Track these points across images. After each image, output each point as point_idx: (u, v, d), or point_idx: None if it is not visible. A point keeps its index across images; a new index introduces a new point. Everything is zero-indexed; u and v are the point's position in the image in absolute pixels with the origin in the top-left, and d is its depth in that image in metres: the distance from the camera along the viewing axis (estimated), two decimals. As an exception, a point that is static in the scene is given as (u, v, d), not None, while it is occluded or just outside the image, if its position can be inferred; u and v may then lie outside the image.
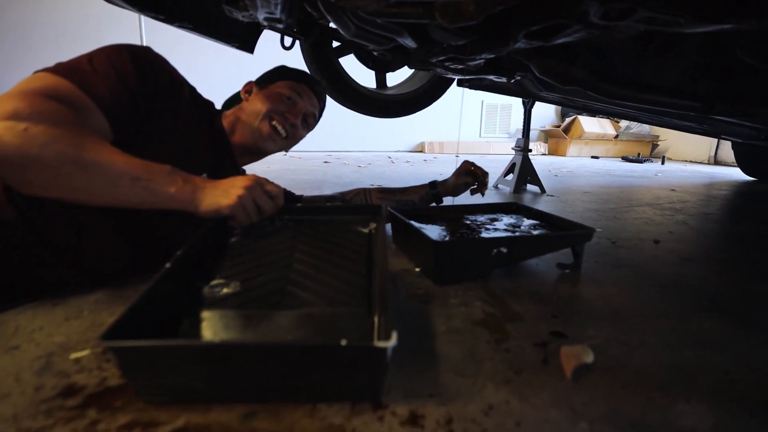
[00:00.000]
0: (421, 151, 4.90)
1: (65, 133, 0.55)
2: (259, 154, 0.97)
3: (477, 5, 0.66)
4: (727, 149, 4.55)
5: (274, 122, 0.91)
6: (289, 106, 0.94)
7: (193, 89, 0.86)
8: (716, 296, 0.84)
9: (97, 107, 0.63)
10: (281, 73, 1.01)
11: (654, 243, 1.23)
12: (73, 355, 0.54)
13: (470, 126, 5.31)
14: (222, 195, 0.64)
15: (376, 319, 0.53)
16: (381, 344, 0.41)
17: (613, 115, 2.43)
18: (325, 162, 3.25)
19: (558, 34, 0.77)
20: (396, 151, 4.79)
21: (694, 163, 4.84)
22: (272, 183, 0.72)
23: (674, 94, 1.20)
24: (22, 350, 0.55)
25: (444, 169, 3.05)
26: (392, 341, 0.41)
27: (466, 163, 1.20)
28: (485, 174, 1.18)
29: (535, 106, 2.16)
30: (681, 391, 0.52)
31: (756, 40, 0.85)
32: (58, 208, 0.65)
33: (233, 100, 1.03)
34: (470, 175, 1.17)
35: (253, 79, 1.02)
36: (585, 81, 1.19)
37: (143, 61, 0.71)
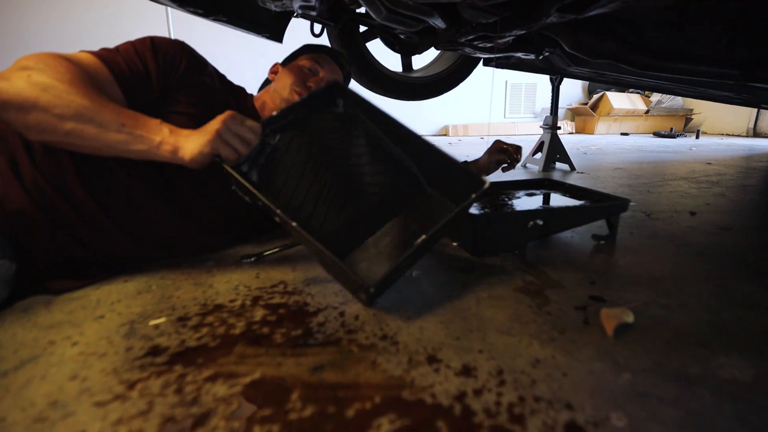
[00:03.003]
0: (445, 135, 4.88)
1: (63, 81, 0.61)
2: None
3: (511, -19, 0.68)
4: (767, 120, 4.35)
5: (297, 92, 0.95)
6: (311, 75, 0.98)
7: (221, 74, 0.92)
8: (756, 262, 0.84)
9: (114, 79, 0.70)
10: (302, 49, 1.05)
11: (690, 215, 1.22)
12: (152, 322, 0.60)
13: (495, 107, 5.24)
14: (201, 134, 0.66)
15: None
16: None
17: (646, 89, 2.36)
18: (351, 148, 3.30)
19: (592, 6, 0.78)
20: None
21: (731, 136, 4.65)
22: (249, 119, 0.74)
23: (711, 62, 1.17)
24: (107, 318, 0.62)
25: (469, 150, 3.04)
26: None
27: (498, 142, 1.21)
28: (518, 150, 1.18)
29: (561, 84, 2.12)
30: (721, 347, 0.54)
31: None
32: (118, 186, 0.72)
33: (266, 84, 1.08)
34: (503, 153, 1.19)
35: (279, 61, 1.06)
36: (617, 53, 1.18)
37: (164, 43, 0.79)
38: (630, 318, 0.61)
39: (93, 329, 0.58)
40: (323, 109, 0.85)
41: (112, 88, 0.70)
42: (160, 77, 0.76)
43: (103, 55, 0.71)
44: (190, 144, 0.66)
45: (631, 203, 0.99)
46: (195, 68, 0.82)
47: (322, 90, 0.85)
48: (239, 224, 0.92)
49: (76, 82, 0.62)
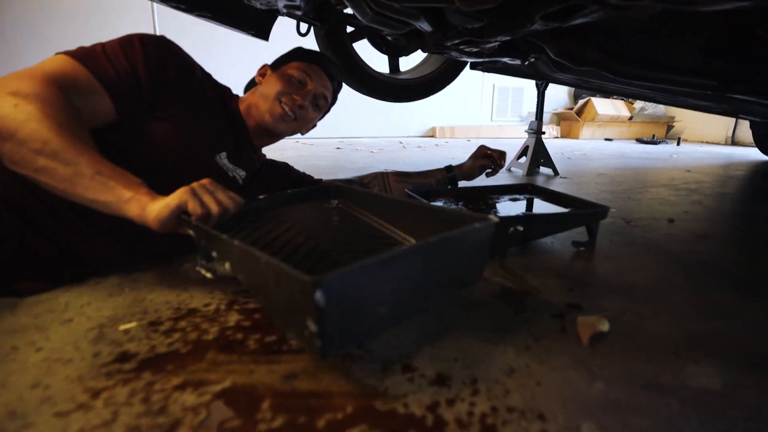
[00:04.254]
0: (432, 136, 4.89)
1: (48, 117, 0.58)
2: (274, 135, 1.00)
3: (495, -13, 0.68)
4: (745, 129, 4.47)
5: (283, 104, 0.93)
6: (298, 87, 0.96)
7: (207, 75, 0.90)
8: (731, 271, 0.86)
9: (104, 89, 0.68)
10: (294, 54, 1.03)
11: (669, 222, 1.24)
12: (122, 327, 0.59)
13: (482, 110, 5.28)
14: (173, 194, 0.61)
15: None
16: None
17: (629, 96, 2.41)
18: (338, 148, 3.28)
19: (575, 15, 0.78)
20: (407, 137, 4.79)
21: (711, 144, 4.76)
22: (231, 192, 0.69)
23: (690, 73, 1.20)
24: (75, 322, 0.60)
25: (455, 153, 3.06)
26: None
27: (482, 147, 1.22)
28: (502, 156, 1.19)
29: (547, 89, 2.15)
30: (693, 356, 0.55)
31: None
32: None
33: (251, 85, 1.06)
34: (487, 158, 1.19)
35: (269, 62, 1.04)
36: (599, 61, 1.19)
37: (152, 45, 0.76)
38: (605, 326, 0.61)
39: (59, 334, 0.57)
40: (316, 204, 0.85)
41: (101, 98, 0.67)
42: (150, 83, 0.74)
43: (91, 62, 0.67)
44: (159, 202, 0.60)
45: (612, 210, 1.01)
46: (184, 72, 0.80)
47: (318, 188, 0.87)
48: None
49: (60, 120, 0.59)
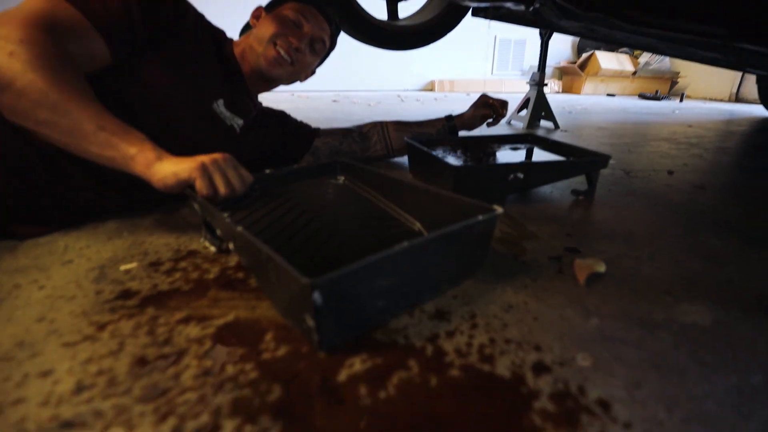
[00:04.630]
0: (431, 90, 4.78)
1: (45, 67, 0.55)
2: (271, 81, 0.96)
3: None
4: (750, 86, 4.38)
5: (278, 47, 0.89)
6: (294, 29, 0.91)
7: (201, 15, 0.85)
8: (727, 219, 0.87)
9: (96, 30, 0.64)
10: None
11: (668, 174, 1.24)
12: (123, 267, 0.59)
13: (482, 63, 5.12)
14: (183, 162, 0.60)
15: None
16: None
17: (636, 47, 2.33)
18: (334, 101, 3.20)
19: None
20: (405, 90, 4.67)
21: (715, 100, 4.68)
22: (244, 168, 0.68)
23: (701, 19, 1.15)
24: (75, 263, 0.60)
25: (455, 106, 2.99)
26: None
27: (484, 96, 1.19)
28: (504, 105, 1.17)
29: (550, 42, 2.07)
30: (685, 296, 0.56)
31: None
32: None
33: (246, 29, 1.01)
34: (488, 108, 1.17)
35: (263, 4, 0.99)
36: (608, 6, 1.14)
37: None
38: (602, 268, 0.62)
39: (61, 274, 0.57)
40: (322, 179, 0.83)
41: (94, 41, 0.63)
42: (143, 23, 0.69)
43: (82, 4, 0.63)
44: (166, 167, 0.59)
45: (611, 161, 1.00)
46: (177, 12, 0.76)
47: (322, 164, 0.84)
48: None
49: (58, 69, 0.56)
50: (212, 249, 0.64)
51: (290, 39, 0.90)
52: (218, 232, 0.60)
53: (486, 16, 1.74)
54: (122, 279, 0.56)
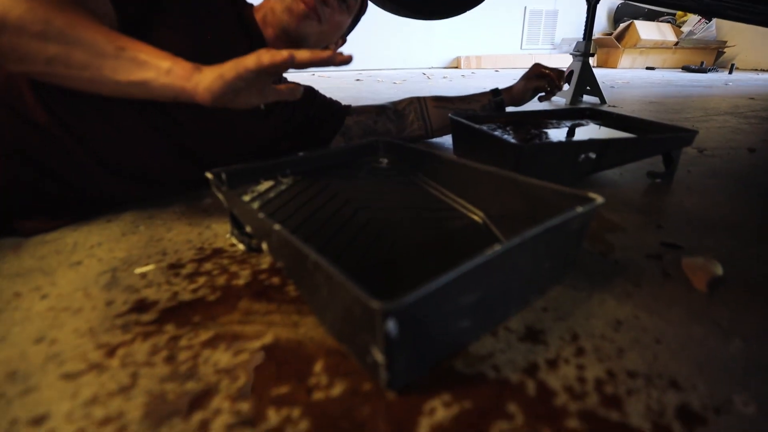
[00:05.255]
0: (456, 67, 4.56)
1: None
2: (298, 45, 0.84)
3: None
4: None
5: (304, 1, 0.77)
6: None
7: None
8: None
9: None
10: None
11: (749, 152, 1.08)
12: (138, 270, 0.50)
13: (510, 37, 4.86)
14: (224, 65, 0.50)
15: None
16: None
17: (689, 10, 2.10)
18: (357, 80, 3.06)
19: None
20: (430, 68, 4.47)
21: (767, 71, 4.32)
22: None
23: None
24: (85, 265, 0.51)
25: (485, 83, 2.82)
26: None
27: (537, 65, 1.04)
28: (561, 75, 1.02)
29: (581, 12, 1.87)
30: (844, 307, 0.44)
31: None
32: (91, 109, 0.58)
33: None
34: (542, 79, 1.03)
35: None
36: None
37: None
38: (719, 270, 0.50)
39: (67, 278, 0.48)
40: (364, 162, 0.72)
41: (104, 5, 0.55)
42: None
43: None
44: (207, 72, 0.49)
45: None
46: None
47: (363, 144, 0.72)
48: (241, 154, 0.78)
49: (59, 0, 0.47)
50: (241, 247, 0.55)
51: None
52: (248, 228, 0.50)
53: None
54: (137, 285, 0.47)
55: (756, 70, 4.41)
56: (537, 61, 1.06)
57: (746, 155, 1.05)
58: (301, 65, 0.48)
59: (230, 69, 0.49)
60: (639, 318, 0.42)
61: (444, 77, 3.35)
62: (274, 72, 0.49)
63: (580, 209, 0.40)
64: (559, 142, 0.78)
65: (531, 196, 0.50)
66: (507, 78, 3.21)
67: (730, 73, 3.87)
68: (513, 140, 0.78)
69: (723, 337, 0.39)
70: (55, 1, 0.47)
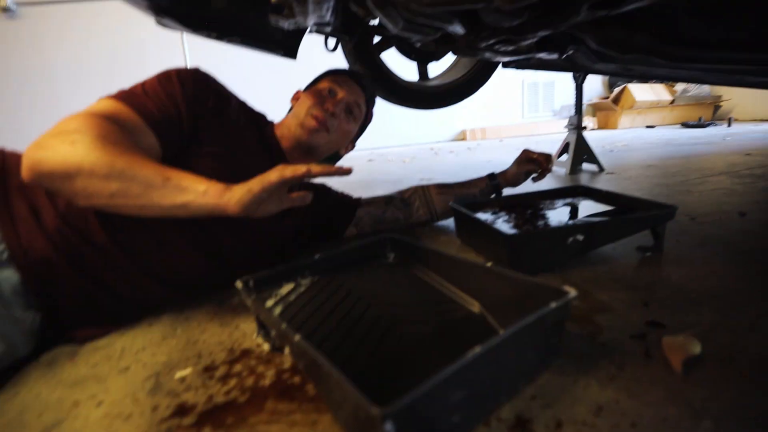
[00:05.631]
0: (463, 140, 4.81)
1: (105, 143, 0.58)
2: (311, 152, 0.98)
3: (539, -17, 0.63)
4: (803, 101, 4.12)
5: (315, 115, 0.92)
6: (329, 98, 0.96)
7: (242, 103, 0.90)
8: (828, 270, 0.76)
9: (147, 125, 0.68)
10: (324, 74, 1.04)
11: (740, 216, 1.13)
12: (178, 375, 0.57)
13: (512, 108, 5.14)
14: (250, 182, 0.61)
15: None
16: None
17: (676, 80, 2.26)
18: (369, 160, 3.27)
19: (626, 1, 0.72)
20: (437, 142, 4.73)
21: (766, 121, 4.42)
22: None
23: (751, 48, 1.09)
24: (132, 371, 0.59)
25: (489, 155, 2.97)
26: None
27: (526, 151, 1.16)
28: (548, 159, 1.13)
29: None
30: (813, 381, 0.48)
31: None
32: (142, 229, 0.69)
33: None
34: (532, 163, 1.13)
35: (301, 88, 1.05)
36: (648, 46, 1.11)
37: (190, 80, 0.76)
38: (697, 348, 0.54)
39: (118, 385, 0.56)
40: (373, 259, 0.81)
41: (146, 136, 0.68)
42: (189, 117, 0.74)
43: (134, 102, 0.68)
44: (237, 189, 0.60)
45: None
46: (220, 103, 0.81)
47: (371, 242, 0.81)
48: (267, 257, 0.88)
49: (116, 142, 0.60)
50: (266, 347, 0.62)
51: (326, 105, 0.93)
52: (272, 332, 0.57)
53: (517, 67, 1.74)
54: (177, 390, 0.54)
55: (755, 120, 4.52)
56: (526, 148, 1.17)
57: (736, 220, 1.10)
58: (316, 176, 0.61)
59: (257, 183, 0.60)
60: (619, 402, 0.46)
61: (450, 152, 3.54)
62: (293, 184, 0.61)
63: (553, 305, 0.47)
64: (548, 228, 0.86)
65: (518, 288, 0.57)
66: (511, 148, 3.37)
67: (729, 126, 3.98)
68: (507, 228, 0.87)
69: (695, 419, 0.43)
70: (116, 145, 0.60)
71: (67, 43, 3.67)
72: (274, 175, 0.60)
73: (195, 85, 0.76)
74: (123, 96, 0.69)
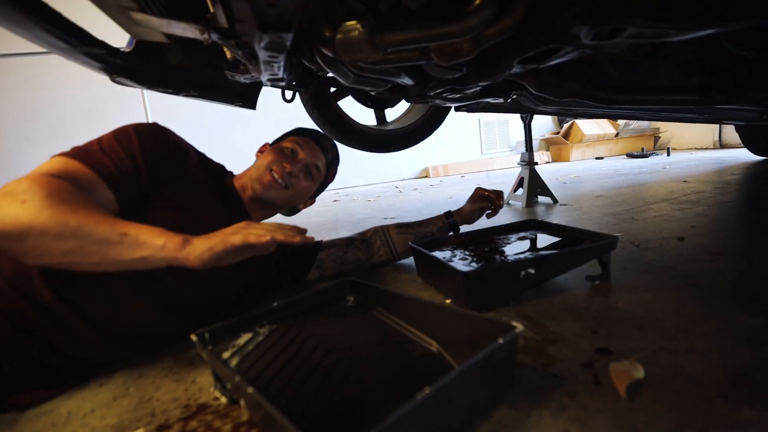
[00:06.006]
0: (426, 177, 4.95)
1: (57, 201, 0.58)
2: (267, 205, 1.00)
3: (471, 43, 0.69)
4: (731, 131, 4.53)
5: (273, 172, 0.95)
6: (290, 157, 0.99)
7: (201, 155, 0.92)
8: (755, 289, 0.83)
9: (103, 182, 0.68)
10: (291, 132, 1.10)
11: (678, 240, 1.22)
12: (129, 436, 0.55)
13: (471, 145, 5.37)
14: (213, 237, 0.62)
15: None
16: None
17: (614, 117, 2.46)
18: (335, 201, 3.29)
19: (551, 57, 0.80)
20: (401, 180, 4.84)
21: (700, 149, 4.81)
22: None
23: (671, 91, 1.22)
24: (78, 437, 0.56)
25: (452, 191, 3.07)
26: None
27: (478, 189, 1.22)
28: (499, 195, 1.19)
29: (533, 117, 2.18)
30: (742, 397, 0.51)
31: (742, 34, 0.87)
32: (90, 282, 0.68)
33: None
34: (485, 200, 1.19)
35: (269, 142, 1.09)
36: (580, 92, 1.21)
37: (147, 135, 0.77)
38: (640, 373, 0.57)
39: (62, 454, 0.53)
40: (333, 303, 0.82)
41: (102, 191, 0.68)
42: (148, 172, 0.74)
43: (88, 159, 0.68)
44: (197, 244, 0.61)
45: (619, 234, 0.98)
46: (179, 157, 0.82)
47: (330, 286, 0.83)
48: (224, 307, 0.87)
49: (69, 200, 0.59)
50: (223, 400, 0.60)
51: (285, 164, 0.96)
52: (228, 385, 0.57)
53: (468, 110, 1.85)
54: (127, 454, 0.51)
55: (690, 149, 4.91)
56: (479, 185, 1.23)
57: (676, 244, 1.18)
58: (279, 243, 0.63)
59: (219, 243, 0.61)
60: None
61: (414, 189, 3.63)
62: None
63: (500, 341, 0.49)
64: (500, 264, 0.90)
65: (470, 324, 0.59)
66: (472, 183, 3.50)
67: (668, 155, 4.30)
68: (463, 266, 0.90)
69: (638, 442, 0.46)
70: (69, 202, 0.59)
71: (19, 97, 3.59)
72: (237, 239, 0.61)
73: (154, 141, 0.77)
74: (76, 153, 0.69)
